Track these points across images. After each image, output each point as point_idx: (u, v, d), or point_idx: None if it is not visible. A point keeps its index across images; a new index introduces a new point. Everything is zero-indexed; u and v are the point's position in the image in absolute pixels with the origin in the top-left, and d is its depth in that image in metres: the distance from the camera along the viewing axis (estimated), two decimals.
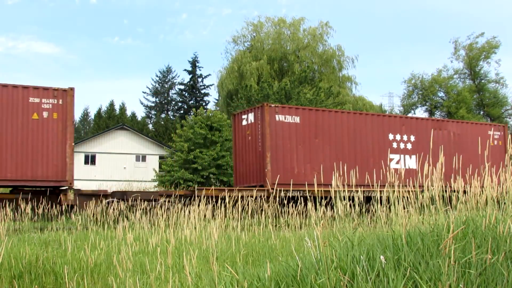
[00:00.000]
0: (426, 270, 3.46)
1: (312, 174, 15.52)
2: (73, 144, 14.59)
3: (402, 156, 18.03)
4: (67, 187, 14.31)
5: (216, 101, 46.60)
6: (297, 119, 16.36)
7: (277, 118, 15.97)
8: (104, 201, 12.60)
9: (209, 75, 49.70)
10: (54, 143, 14.28)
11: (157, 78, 53.27)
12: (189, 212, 9.23)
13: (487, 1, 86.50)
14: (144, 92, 55.36)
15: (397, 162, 17.81)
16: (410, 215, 5.26)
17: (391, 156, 17.51)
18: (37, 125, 14.20)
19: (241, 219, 6.82)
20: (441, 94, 45.22)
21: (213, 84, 46.62)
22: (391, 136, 18.02)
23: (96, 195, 14.14)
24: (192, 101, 50.08)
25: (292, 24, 41.45)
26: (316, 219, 5.70)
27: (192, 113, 37.05)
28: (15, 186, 14.44)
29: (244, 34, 42.85)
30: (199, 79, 48.86)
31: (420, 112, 47.09)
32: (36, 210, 11.55)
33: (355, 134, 17.27)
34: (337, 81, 40.95)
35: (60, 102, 14.47)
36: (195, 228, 8.47)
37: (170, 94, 54.11)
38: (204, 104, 48.80)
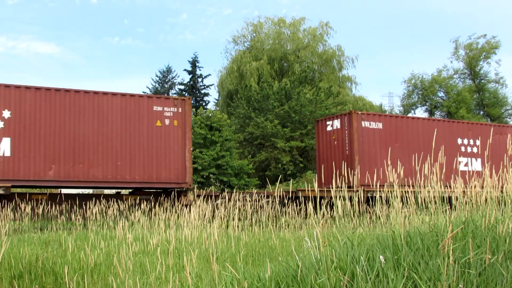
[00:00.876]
0: (425, 270, 3.47)
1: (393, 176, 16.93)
2: (191, 149, 16.11)
3: (469, 159, 19.54)
4: (186, 188, 15.60)
5: (216, 101, 46.61)
6: (380, 125, 17.97)
7: (363, 125, 17.57)
8: (217, 201, 13.53)
9: (209, 75, 49.65)
10: (175, 148, 15.62)
11: (157, 78, 53.32)
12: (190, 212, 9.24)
13: (487, 1, 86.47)
14: (144, 92, 55.44)
15: (465, 165, 19.26)
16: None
17: (460, 159, 18.97)
18: (160, 131, 15.54)
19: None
20: (441, 94, 45.22)
21: (213, 84, 46.59)
22: (459, 141, 19.47)
23: (209, 196, 15.52)
24: (192, 101, 50.13)
25: (292, 24, 41.45)
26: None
27: (192, 113, 36.96)
28: (139, 188, 15.62)
29: (244, 34, 42.86)
30: (199, 79, 48.88)
31: (420, 112, 47.13)
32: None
33: (429, 139, 18.22)
34: (337, 81, 40.93)
35: (180, 110, 15.91)
36: (197, 228, 8.48)
37: (170, 94, 54.16)
38: (204, 104, 48.82)
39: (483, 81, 44.38)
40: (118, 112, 15.10)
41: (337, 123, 18.09)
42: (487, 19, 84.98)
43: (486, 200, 5.43)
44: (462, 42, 43.90)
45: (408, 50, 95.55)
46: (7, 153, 13.74)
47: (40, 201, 13.76)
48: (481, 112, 44.44)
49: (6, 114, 13.91)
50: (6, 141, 13.79)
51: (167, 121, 15.62)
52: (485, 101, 43.97)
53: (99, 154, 14.70)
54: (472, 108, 43.85)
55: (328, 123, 18.56)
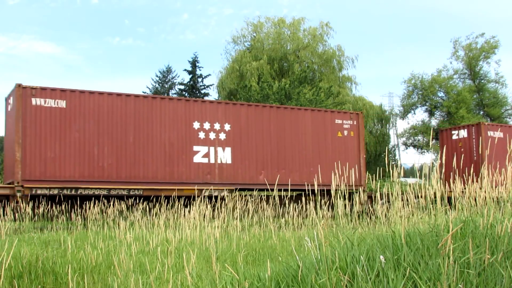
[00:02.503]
0: (425, 270, 3.47)
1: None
2: (364, 156, 18.48)
3: None
4: (363, 190, 16.72)
5: None
6: (501, 135, 19.91)
7: (488, 134, 19.69)
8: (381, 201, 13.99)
9: (209, 75, 49.56)
10: (352, 155, 17.82)
11: (157, 78, 53.31)
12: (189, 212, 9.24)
13: (487, 1, 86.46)
14: (144, 92, 55.42)
15: None
16: None
17: None
18: (340, 141, 18.02)
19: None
20: (441, 94, 45.17)
21: (213, 84, 46.48)
22: None
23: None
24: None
25: (292, 24, 41.42)
26: None
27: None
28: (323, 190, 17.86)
29: (244, 34, 42.82)
30: (199, 79, 48.87)
31: (420, 112, 47.13)
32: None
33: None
34: (337, 81, 40.89)
35: (355, 123, 18.33)
36: (197, 227, 8.48)
37: (170, 94, 54.13)
38: None
39: (483, 81, 44.36)
40: (309, 125, 17.68)
41: (463, 133, 20.51)
42: (487, 19, 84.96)
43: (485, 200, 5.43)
44: (461, 42, 43.89)
45: (408, 50, 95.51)
46: (229, 161, 16.26)
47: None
48: (481, 112, 44.42)
49: (227, 127, 16.43)
50: (228, 150, 16.33)
51: (345, 132, 18.17)
52: (485, 101, 43.95)
53: (296, 162, 17.13)
54: (472, 108, 43.82)
55: (453, 132, 20.98)
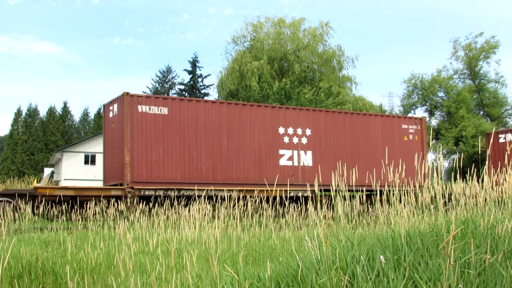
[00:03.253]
0: (425, 270, 3.47)
1: None
2: (427, 159, 18.73)
3: None
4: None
5: None
6: None
7: None
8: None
9: (209, 75, 49.62)
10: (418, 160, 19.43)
11: (157, 78, 53.31)
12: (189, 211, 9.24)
13: (487, 1, 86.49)
14: (144, 92, 55.44)
15: None
16: None
17: None
18: (407, 145, 19.06)
19: None
20: (441, 94, 45.17)
21: (213, 84, 46.51)
22: None
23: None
24: None
25: (292, 24, 41.43)
26: None
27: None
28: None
29: (244, 34, 42.84)
30: (199, 79, 48.87)
31: (420, 112, 47.10)
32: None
33: None
34: (337, 81, 40.91)
35: (418, 128, 19.49)
36: (196, 227, 8.48)
37: (170, 94, 54.11)
38: None
39: (483, 81, 44.35)
40: (379, 130, 18.84)
41: (510, 137, 21.32)
42: (487, 19, 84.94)
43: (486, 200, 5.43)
44: (461, 43, 43.88)
45: (408, 50, 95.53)
46: (310, 163, 17.30)
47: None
48: (481, 112, 44.42)
49: (308, 132, 17.59)
50: (309, 154, 17.48)
51: (410, 137, 19.35)
52: (485, 101, 43.94)
53: (368, 163, 17.53)
54: (472, 108, 43.81)
55: (500, 136, 21.82)
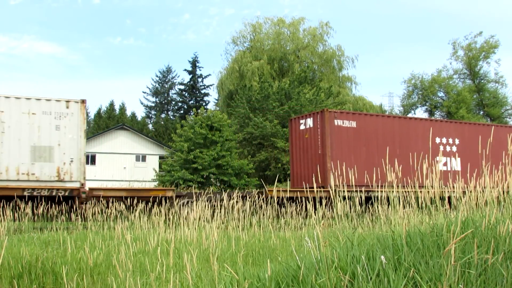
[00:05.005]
0: (426, 270, 3.46)
1: None
2: None
3: None
4: None
5: (216, 101, 46.58)
6: None
7: None
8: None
9: (209, 75, 49.66)
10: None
11: (157, 78, 53.30)
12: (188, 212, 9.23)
13: (487, 1, 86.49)
14: (144, 92, 55.44)
15: None
16: None
17: None
18: None
19: None
20: (441, 94, 45.18)
21: (213, 84, 46.54)
22: None
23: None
24: (192, 101, 50.08)
25: (292, 24, 41.41)
26: None
27: (192, 113, 37.00)
28: None
29: (243, 34, 42.82)
30: (199, 79, 48.86)
31: (420, 112, 47.10)
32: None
33: None
34: (337, 81, 40.90)
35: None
36: (195, 227, 8.47)
37: (170, 94, 54.11)
38: (204, 104, 48.79)
39: (482, 81, 44.36)
40: (505, 141, 20.54)
41: None
42: (487, 19, 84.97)
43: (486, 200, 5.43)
44: (460, 43, 43.91)
45: (408, 50, 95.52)
46: (459, 168, 19.40)
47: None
48: (481, 112, 44.41)
49: (457, 141, 19.96)
50: (458, 160, 19.71)
51: None
52: (485, 101, 43.95)
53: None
54: (472, 108, 43.82)
55: None
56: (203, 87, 49.14)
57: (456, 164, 19.89)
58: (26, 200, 13.36)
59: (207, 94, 48.95)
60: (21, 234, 10.38)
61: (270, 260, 5.57)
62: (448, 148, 20.14)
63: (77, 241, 8.25)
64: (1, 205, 12.52)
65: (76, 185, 15.40)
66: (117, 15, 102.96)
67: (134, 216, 10.38)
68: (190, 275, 3.87)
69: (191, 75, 48.65)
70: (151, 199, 13.90)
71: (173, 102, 53.91)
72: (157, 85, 53.15)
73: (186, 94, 50.48)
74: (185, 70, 48.43)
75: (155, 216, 10.47)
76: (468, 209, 5.52)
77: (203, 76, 48.56)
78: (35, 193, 14.29)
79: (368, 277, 3.46)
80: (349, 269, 3.66)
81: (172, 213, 11.21)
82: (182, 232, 8.32)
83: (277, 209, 12.64)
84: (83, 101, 16.32)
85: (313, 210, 9.84)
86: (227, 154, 26.95)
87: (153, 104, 55.24)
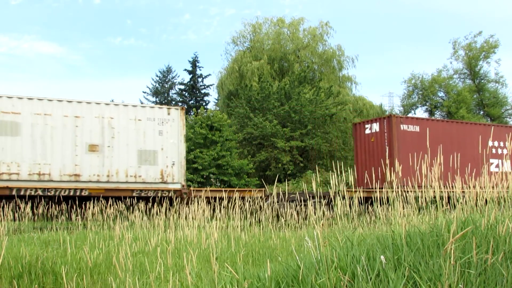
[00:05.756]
0: (426, 270, 3.46)
1: None
2: None
3: None
4: None
5: (216, 101, 46.57)
6: None
7: None
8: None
9: (209, 75, 49.55)
10: None
11: (157, 78, 53.31)
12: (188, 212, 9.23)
13: (487, 1, 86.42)
14: (145, 92, 55.48)
15: None
16: None
17: None
18: None
19: None
20: (441, 94, 45.14)
21: (213, 84, 46.44)
22: None
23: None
24: (192, 101, 50.09)
25: (292, 24, 41.36)
26: None
27: (192, 113, 36.96)
28: None
29: (243, 34, 42.76)
30: (199, 79, 48.86)
31: (420, 112, 47.08)
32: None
33: None
34: (337, 81, 40.82)
35: None
36: (197, 227, 8.47)
37: (170, 94, 54.11)
38: (204, 104, 48.81)
39: (483, 81, 44.35)
40: None
41: None
42: (487, 19, 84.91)
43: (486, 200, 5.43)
44: (460, 43, 43.88)
45: (408, 50, 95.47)
46: (510, 169, 20.62)
47: None
48: (481, 112, 44.41)
49: (507, 144, 20.45)
50: (508, 162, 20.88)
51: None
52: (485, 101, 43.93)
53: None
54: (472, 108, 43.81)
55: None
56: (203, 87, 49.15)
57: (507, 165, 20.53)
58: (135, 200, 14.40)
59: (207, 94, 48.95)
60: (21, 234, 10.38)
61: (270, 260, 5.56)
62: (499, 151, 21.29)
63: (77, 241, 8.24)
64: (109, 204, 12.43)
65: (178, 186, 16.36)
66: (118, 15, 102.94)
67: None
68: (190, 275, 3.87)
69: (191, 75, 48.64)
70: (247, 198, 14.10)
71: (173, 102, 53.88)
72: (157, 85, 53.17)
73: (186, 94, 50.51)
74: (185, 70, 48.40)
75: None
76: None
77: (203, 76, 48.56)
78: (142, 194, 15.33)
79: (368, 277, 3.46)
80: (349, 269, 3.66)
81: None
82: (182, 232, 8.32)
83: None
84: (183, 108, 17.49)
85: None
86: (227, 154, 26.94)
87: (153, 104, 55.16)
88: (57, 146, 15.22)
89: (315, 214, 9.19)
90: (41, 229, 11.55)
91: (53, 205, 13.58)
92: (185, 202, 14.36)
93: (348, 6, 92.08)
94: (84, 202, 14.52)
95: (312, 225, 9.16)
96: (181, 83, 50.64)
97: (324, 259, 3.62)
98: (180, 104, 53.05)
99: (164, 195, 15.48)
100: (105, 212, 11.91)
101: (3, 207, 12.17)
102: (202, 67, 63.58)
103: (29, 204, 12.25)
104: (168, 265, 5.45)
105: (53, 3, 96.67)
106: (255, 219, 10.66)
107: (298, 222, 11.01)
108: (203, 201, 12.67)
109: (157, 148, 16.40)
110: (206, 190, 15.28)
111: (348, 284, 3.47)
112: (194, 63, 48.71)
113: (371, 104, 42.35)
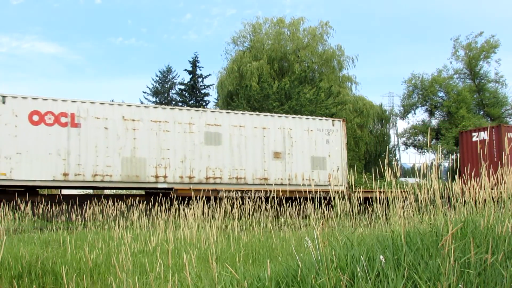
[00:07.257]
0: (425, 270, 3.47)
1: None
2: None
3: None
4: None
5: (216, 101, 46.57)
6: None
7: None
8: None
9: (209, 75, 49.55)
10: None
11: (158, 78, 53.30)
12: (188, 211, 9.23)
13: (487, 1, 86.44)
14: (145, 92, 55.49)
15: None
16: None
17: None
18: None
19: None
20: (441, 94, 45.11)
21: (213, 84, 46.44)
22: None
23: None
24: (192, 101, 50.07)
25: (292, 24, 41.36)
26: None
27: None
28: None
29: (243, 34, 42.76)
30: (199, 79, 48.85)
31: (420, 112, 47.07)
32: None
33: None
34: (337, 81, 40.83)
35: None
36: (196, 227, 8.47)
37: (170, 94, 54.10)
38: (204, 104, 48.80)
39: (483, 81, 44.33)
40: None
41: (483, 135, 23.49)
42: (487, 19, 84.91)
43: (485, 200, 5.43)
44: (461, 42, 43.87)
45: (408, 50, 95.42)
46: None
47: None
48: (481, 112, 44.40)
49: None
50: None
51: None
52: (485, 101, 43.93)
53: None
54: (472, 108, 43.79)
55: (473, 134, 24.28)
56: (203, 87, 49.14)
57: None
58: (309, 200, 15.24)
59: (207, 94, 48.95)
60: (21, 234, 10.38)
61: (270, 260, 5.56)
62: None
63: (77, 241, 8.24)
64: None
65: (342, 188, 17.57)
66: (119, 15, 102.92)
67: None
68: (190, 275, 3.87)
69: (191, 75, 48.63)
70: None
71: (173, 102, 53.83)
72: (157, 85, 53.17)
73: (186, 94, 50.50)
74: (185, 70, 48.41)
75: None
76: None
77: (203, 76, 48.55)
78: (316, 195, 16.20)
79: (368, 277, 3.47)
80: (349, 269, 3.66)
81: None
82: (182, 232, 8.32)
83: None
84: (344, 120, 20.37)
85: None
86: None
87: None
88: (250, 154, 17.94)
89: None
90: (41, 229, 11.56)
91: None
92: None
93: (348, 6, 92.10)
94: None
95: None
96: (181, 83, 50.63)
97: (324, 259, 3.62)
98: (180, 104, 53.05)
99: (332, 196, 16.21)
100: (105, 212, 11.90)
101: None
102: (202, 67, 63.61)
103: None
104: (168, 265, 5.45)
105: (54, 3, 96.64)
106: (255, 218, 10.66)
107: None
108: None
109: (325, 154, 19.14)
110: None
111: (347, 284, 3.47)
112: (194, 63, 48.72)
113: (371, 104, 42.35)
